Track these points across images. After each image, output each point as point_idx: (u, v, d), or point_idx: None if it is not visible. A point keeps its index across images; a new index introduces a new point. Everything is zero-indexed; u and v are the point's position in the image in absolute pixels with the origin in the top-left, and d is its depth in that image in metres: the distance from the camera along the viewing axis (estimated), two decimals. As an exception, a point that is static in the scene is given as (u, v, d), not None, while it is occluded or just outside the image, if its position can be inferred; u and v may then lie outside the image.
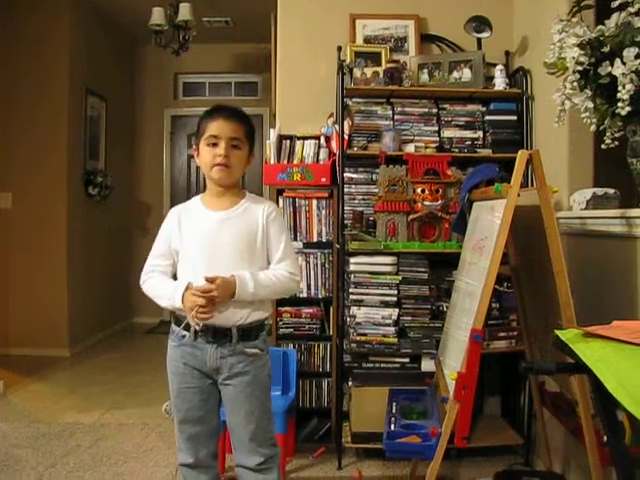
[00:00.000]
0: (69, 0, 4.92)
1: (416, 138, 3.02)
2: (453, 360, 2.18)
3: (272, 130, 3.16)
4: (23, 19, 4.82)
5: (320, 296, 3.07)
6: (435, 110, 3.07)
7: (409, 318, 2.82)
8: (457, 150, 3.02)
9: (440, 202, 2.80)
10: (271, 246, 1.92)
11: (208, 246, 1.88)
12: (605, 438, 1.20)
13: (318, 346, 3.07)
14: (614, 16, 1.81)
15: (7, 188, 4.84)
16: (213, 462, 1.98)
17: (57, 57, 4.90)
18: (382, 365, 2.87)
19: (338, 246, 2.91)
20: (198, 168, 6.51)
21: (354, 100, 3.08)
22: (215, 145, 1.86)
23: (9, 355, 4.61)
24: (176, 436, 1.96)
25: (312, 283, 3.06)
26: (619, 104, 1.74)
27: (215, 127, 1.86)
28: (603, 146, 1.93)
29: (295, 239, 3.03)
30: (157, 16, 4.44)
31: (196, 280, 1.83)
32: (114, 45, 5.93)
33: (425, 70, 3.10)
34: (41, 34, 4.85)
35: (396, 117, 3.05)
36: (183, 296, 1.82)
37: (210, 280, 1.78)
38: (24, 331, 4.81)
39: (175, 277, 1.95)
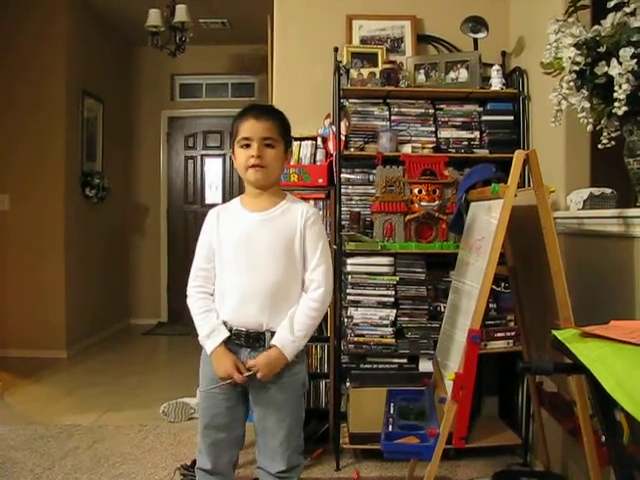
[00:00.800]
0: (65, 2, 4.92)
1: (413, 139, 3.03)
2: (451, 360, 2.18)
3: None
4: (19, 22, 4.81)
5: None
6: (432, 110, 3.07)
7: (406, 319, 2.82)
8: (454, 150, 3.02)
9: (437, 203, 2.80)
10: (307, 252, 1.85)
11: (245, 247, 1.83)
12: (603, 438, 1.20)
13: (315, 347, 3.06)
14: (610, 16, 1.81)
15: (4, 190, 4.84)
16: (231, 471, 1.93)
17: (54, 59, 4.89)
18: (380, 366, 2.86)
19: (335, 247, 2.90)
20: (195, 169, 6.53)
21: (351, 101, 3.08)
22: (248, 146, 1.81)
23: (6, 357, 4.60)
24: (198, 439, 1.92)
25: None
26: (616, 104, 1.74)
27: (246, 128, 1.81)
28: (600, 146, 1.93)
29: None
30: (153, 17, 4.44)
31: (232, 295, 1.83)
32: (111, 47, 5.93)
33: (422, 71, 3.11)
34: (37, 37, 4.84)
35: (393, 118, 3.05)
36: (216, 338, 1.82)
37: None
38: (21, 333, 4.80)
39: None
